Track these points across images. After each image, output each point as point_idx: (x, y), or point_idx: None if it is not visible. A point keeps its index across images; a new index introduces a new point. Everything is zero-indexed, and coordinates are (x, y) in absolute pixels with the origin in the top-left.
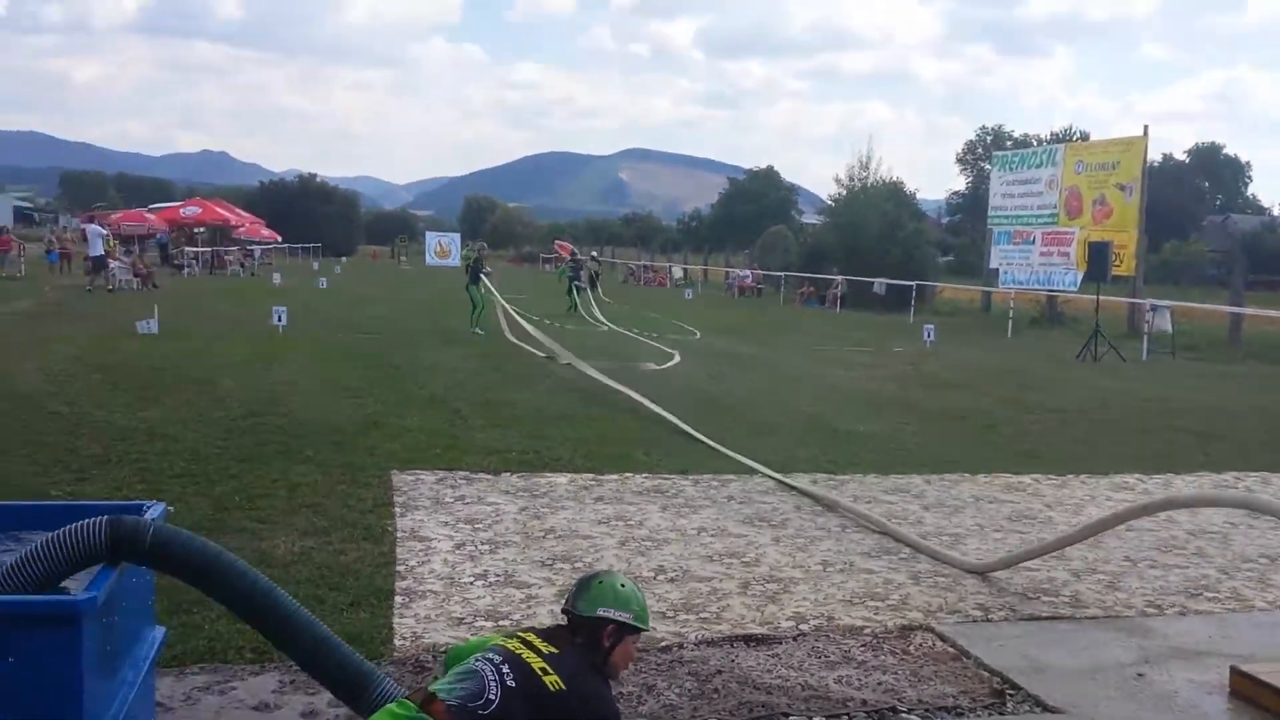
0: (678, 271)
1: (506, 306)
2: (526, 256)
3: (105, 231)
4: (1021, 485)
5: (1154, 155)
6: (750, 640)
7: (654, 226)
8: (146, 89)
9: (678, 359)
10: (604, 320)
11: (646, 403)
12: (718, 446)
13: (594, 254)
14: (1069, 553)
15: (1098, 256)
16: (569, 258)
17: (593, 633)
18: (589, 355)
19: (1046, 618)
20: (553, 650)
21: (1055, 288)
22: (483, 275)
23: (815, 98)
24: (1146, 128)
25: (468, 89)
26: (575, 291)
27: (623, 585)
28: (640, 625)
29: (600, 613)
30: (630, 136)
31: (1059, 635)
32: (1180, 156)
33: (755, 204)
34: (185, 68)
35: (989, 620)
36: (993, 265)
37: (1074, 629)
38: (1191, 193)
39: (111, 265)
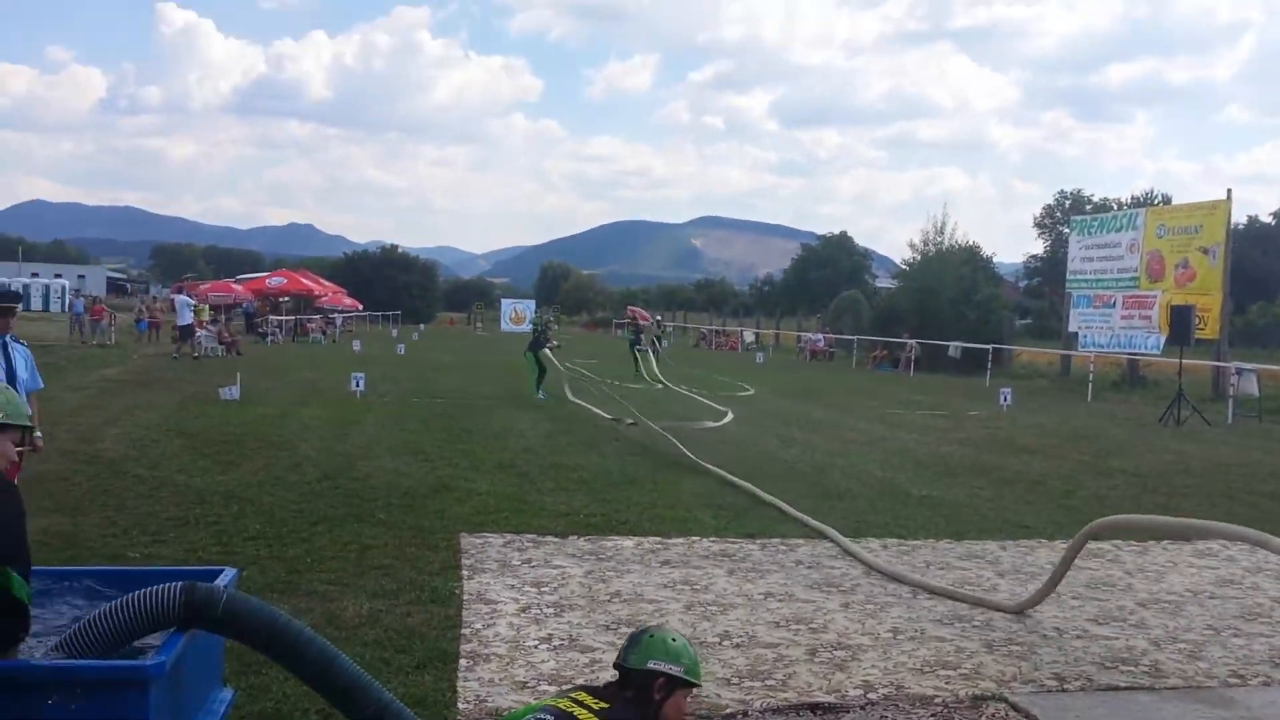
0: (749, 335)
1: (560, 369)
2: (599, 322)
3: (193, 301)
4: (1101, 551)
5: (1238, 217)
6: (817, 709)
7: (726, 291)
8: (238, 166)
9: (730, 418)
10: (664, 381)
11: (721, 471)
12: (784, 507)
13: (658, 319)
14: (1149, 620)
15: (1181, 320)
16: (628, 321)
17: (644, 686)
18: (656, 418)
19: (1125, 688)
20: (604, 706)
21: (1137, 351)
22: (547, 348)
23: (890, 165)
24: (1230, 191)
25: (545, 162)
26: (638, 355)
27: (674, 639)
28: (691, 679)
29: (651, 665)
30: (703, 205)
31: (1138, 706)
32: (1266, 219)
33: (828, 269)
34: (275, 145)
35: (1064, 690)
36: (1072, 329)
37: (1154, 700)
38: (1278, 254)
39: (198, 333)
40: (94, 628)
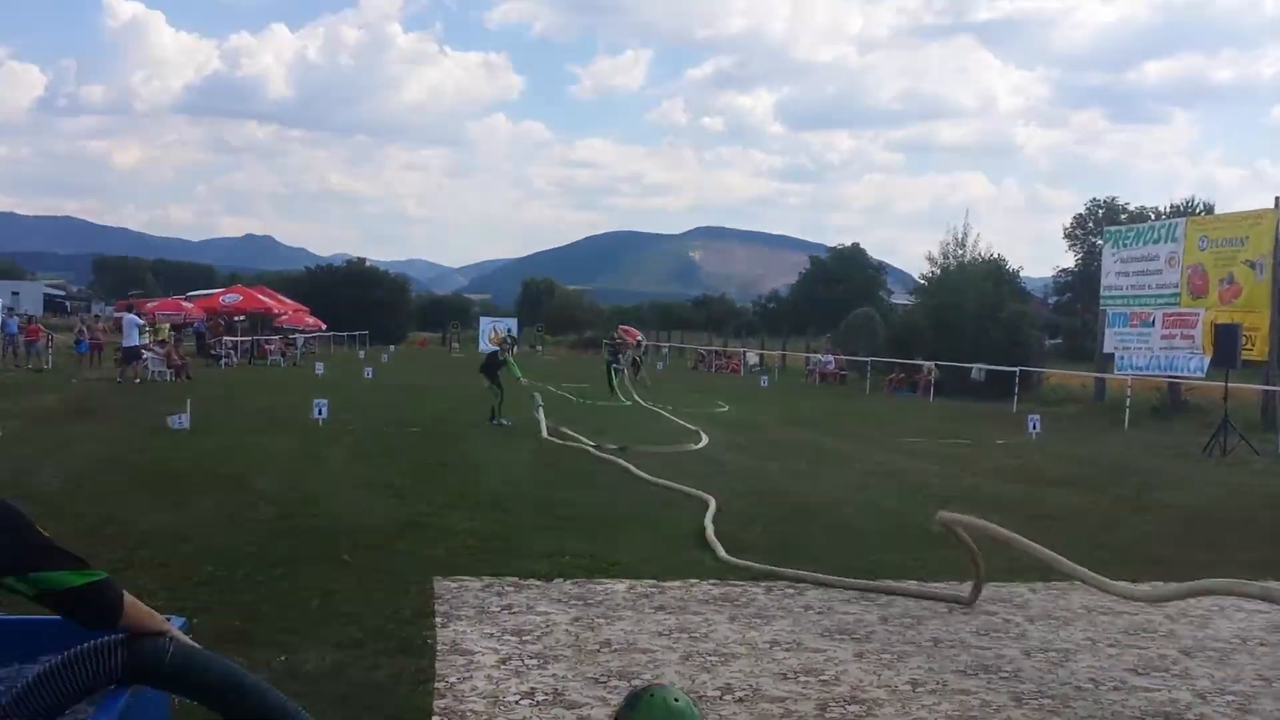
0: (752, 357)
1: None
2: (588, 342)
3: (142, 321)
4: None
5: None
6: None
7: (727, 309)
8: (189, 172)
9: (706, 441)
10: (641, 401)
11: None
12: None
13: (638, 339)
14: (1193, 670)
15: (1226, 340)
16: (617, 340)
17: None
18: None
19: None
20: None
21: (1178, 374)
22: (500, 370)
23: (906, 170)
24: (1278, 199)
25: (529, 167)
26: (613, 374)
27: (676, 699)
28: None
29: None
30: (702, 214)
31: None
32: None
33: (839, 284)
34: (231, 149)
35: None
36: (1107, 349)
37: None
38: None
39: (145, 356)
40: (28, 698)
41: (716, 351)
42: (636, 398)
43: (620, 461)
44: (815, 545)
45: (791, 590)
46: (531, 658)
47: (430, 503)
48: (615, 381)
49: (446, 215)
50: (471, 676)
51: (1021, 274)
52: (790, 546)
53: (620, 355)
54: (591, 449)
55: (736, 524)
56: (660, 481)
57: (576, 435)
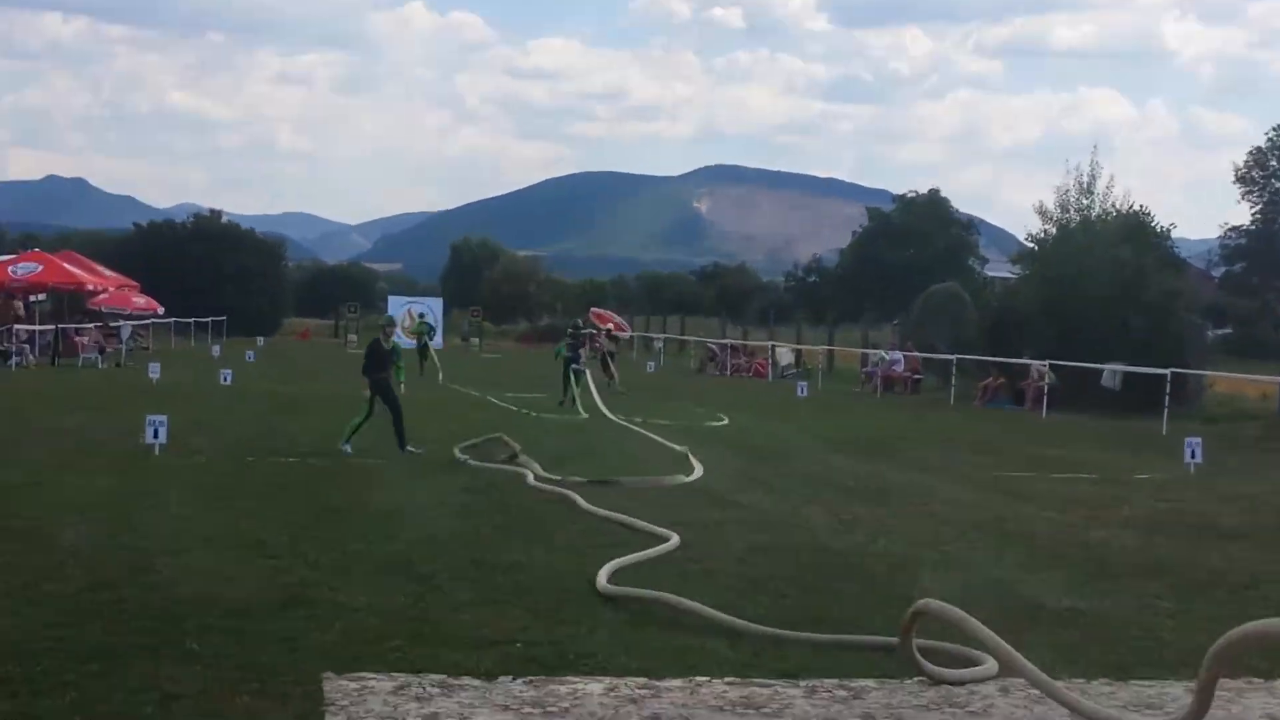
0: (784, 354)
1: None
2: (544, 332)
3: None
4: None
5: None
6: None
7: (749, 284)
8: None
9: (700, 473)
10: (608, 413)
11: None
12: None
13: (611, 325)
14: None
15: None
16: (569, 331)
17: None
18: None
19: None
20: None
21: None
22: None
23: (1007, 85)
24: None
25: (460, 78)
26: (573, 377)
27: None
28: None
29: None
30: (712, 148)
31: None
32: None
33: (910, 248)
34: (24, 53)
35: None
36: None
37: None
38: None
39: None
40: None
41: (733, 346)
42: (603, 409)
43: (581, 501)
44: (863, 622)
45: (843, 691)
46: None
47: (315, 566)
48: (577, 387)
49: (339, 149)
50: None
51: (1174, 235)
52: (825, 624)
53: (583, 350)
54: (539, 483)
55: (748, 590)
56: (640, 523)
57: (527, 463)
